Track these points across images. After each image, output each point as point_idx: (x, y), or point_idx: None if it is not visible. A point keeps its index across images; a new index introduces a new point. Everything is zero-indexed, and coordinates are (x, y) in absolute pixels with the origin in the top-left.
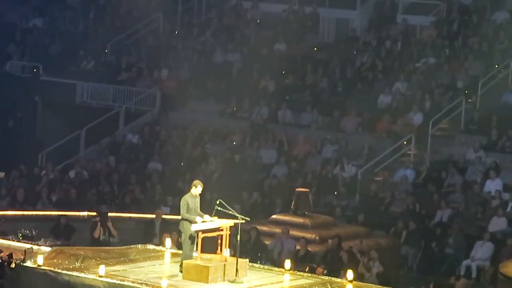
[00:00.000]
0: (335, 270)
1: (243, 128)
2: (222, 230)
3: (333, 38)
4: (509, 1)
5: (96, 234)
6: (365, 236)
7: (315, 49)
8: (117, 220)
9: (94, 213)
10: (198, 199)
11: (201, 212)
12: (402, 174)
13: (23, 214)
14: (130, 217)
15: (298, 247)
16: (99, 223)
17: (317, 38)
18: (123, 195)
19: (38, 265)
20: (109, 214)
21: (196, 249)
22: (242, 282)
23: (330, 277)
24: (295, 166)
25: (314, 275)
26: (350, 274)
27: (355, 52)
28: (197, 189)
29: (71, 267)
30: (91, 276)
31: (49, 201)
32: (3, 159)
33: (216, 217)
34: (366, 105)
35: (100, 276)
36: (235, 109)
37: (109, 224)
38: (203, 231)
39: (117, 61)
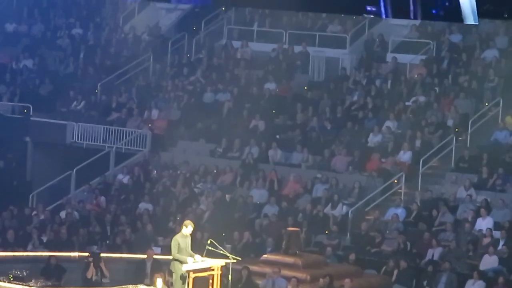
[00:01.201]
0: None
1: (234, 168)
2: (213, 270)
3: (323, 77)
4: (498, 40)
5: (89, 275)
6: (356, 275)
7: (305, 88)
8: (108, 261)
9: (87, 254)
10: (189, 239)
11: (192, 252)
12: (393, 213)
13: (13, 255)
14: (121, 258)
15: (289, 287)
16: (91, 264)
17: (307, 77)
18: (114, 236)
19: None
20: (101, 254)
21: None
22: None
23: None
24: (285, 206)
25: None
26: None
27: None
28: (187, 229)
29: None
30: None
31: (40, 241)
32: None
33: (207, 257)
34: (356, 144)
35: None
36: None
37: (102, 265)
38: (194, 271)
39: (108, 101)
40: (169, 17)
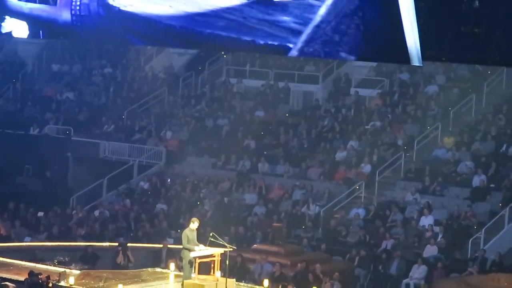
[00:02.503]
0: None
1: (231, 177)
2: (214, 256)
3: (301, 106)
4: (438, 78)
5: (118, 260)
6: (327, 261)
7: (287, 115)
8: (133, 249)
9: (116, 244)
10: (195, 233)
11: (198, 243)
12: (355, 212)
13: (58, 245)
14: (142, 247)
15: (274, 270)
16: (120, 252)
17: (288, 107)
18: (137, 230)
19: (70, 285)
20: (128, 244)
21: (194, 271)
22: None
23: None
24: (271, 207)
25: None
26: None
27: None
28: (194, 224)
29: (96, 287)
30: None
31: (78, 234)
32: (42, 202)
33: (210, 246)
34: (327, 158)
35: None
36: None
37: (128, 253)
38: (200, 257)
39: (132, 125)
40: (180, 60)
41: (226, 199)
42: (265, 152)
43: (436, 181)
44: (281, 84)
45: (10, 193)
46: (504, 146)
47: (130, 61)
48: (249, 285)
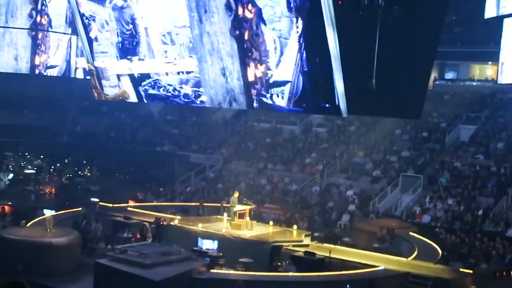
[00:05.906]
0: (290, 226)
1: (254, 171)
2: (245, 210)
3: (288, 137)
4: (355, 122)
5: (200, 212)
6: (300, 213)
7: (281, 141)
8: (206, 207)
9: (198, 204)
10: (237, 198)
11: (238, 203)
12: (314, 188)
13: (169, 204)
14: (210, 205)
15: (274, 217)
16: (201, 207)
17: (282, 136)
18: (208, 196)
19: (175, 224)
20: (204, 204)
21: (236, 217)
22: (253, 230)
23: (287, 228)
24: (273, 186)
25: (281, 227)
26: (295, 227)
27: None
28: (236, 194)
29: (189, 224)
30: (195, 228)
31: (179, 199)
32: (162, 183)
33: (243, 205)
34: (301, 162)
35: (199, 228)
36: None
37: (204, 208)
38: (239, 211)
39: (206, 145)
40: (229, 113)
41: (251, 183)
42: (270, 159)
43: (354, 174)
44: (278, 125)
45: (145, 179)
46: (388, 156)
47: (205, 113)
48: (262, 224)
